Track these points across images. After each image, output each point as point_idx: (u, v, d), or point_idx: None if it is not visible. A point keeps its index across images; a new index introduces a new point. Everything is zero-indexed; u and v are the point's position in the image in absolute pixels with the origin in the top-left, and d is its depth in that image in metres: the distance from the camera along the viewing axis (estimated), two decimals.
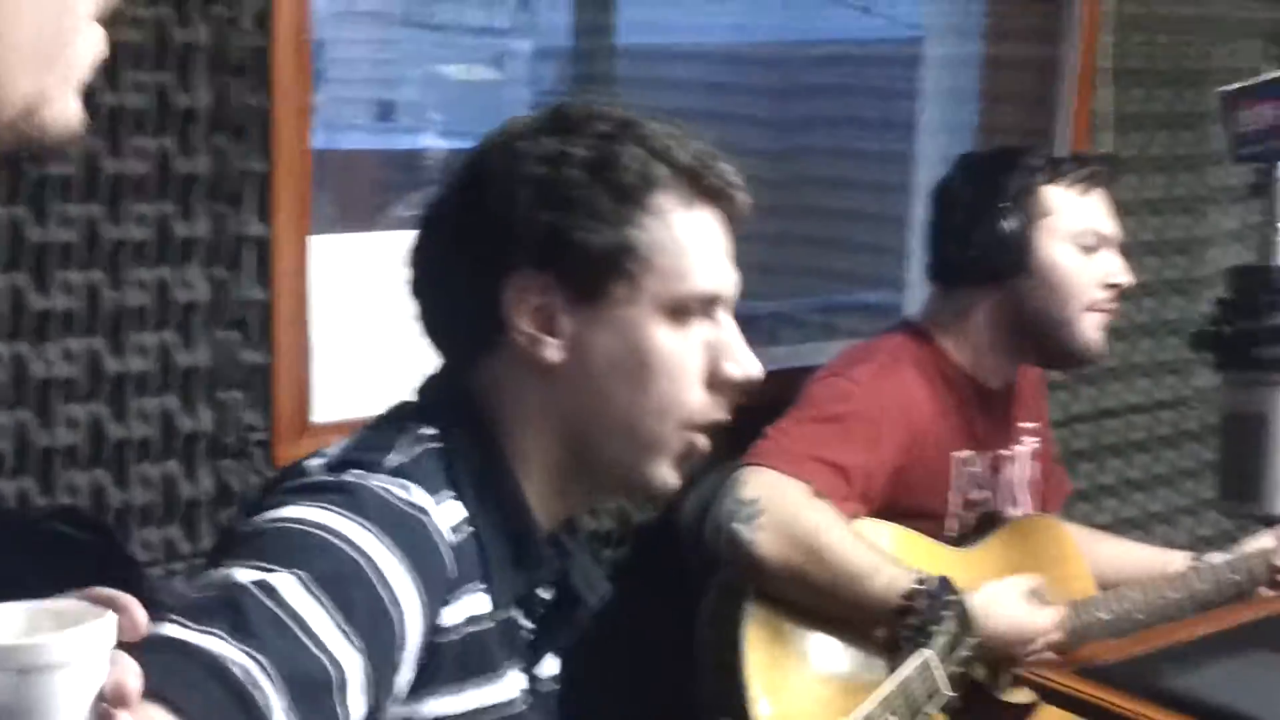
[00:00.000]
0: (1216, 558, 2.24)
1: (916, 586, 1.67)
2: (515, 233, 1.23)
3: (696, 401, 1.25)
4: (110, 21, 0.64)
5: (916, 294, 2.87)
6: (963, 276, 2.18)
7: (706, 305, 1.26)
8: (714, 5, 3.43)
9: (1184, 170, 3.02)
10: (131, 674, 0.70)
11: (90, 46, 0.64)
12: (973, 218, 2.13)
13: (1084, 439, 3.02)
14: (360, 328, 2.09)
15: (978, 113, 2.93)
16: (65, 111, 0.63)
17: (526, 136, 1.26)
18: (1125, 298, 2.88)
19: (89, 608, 0.70)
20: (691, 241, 1.25)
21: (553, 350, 1.23)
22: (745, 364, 1.26)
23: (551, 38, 3.10)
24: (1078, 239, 2.13)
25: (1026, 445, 2.30)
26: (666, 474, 1.27)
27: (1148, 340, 3.07)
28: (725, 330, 1.27)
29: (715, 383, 1.26)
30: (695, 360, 1.25)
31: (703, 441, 1.28)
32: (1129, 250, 2.87)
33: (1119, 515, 3.09)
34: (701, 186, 1.25)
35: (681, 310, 1.24)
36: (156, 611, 0.79)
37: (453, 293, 1.28)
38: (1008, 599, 1.98)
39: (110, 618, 0.69)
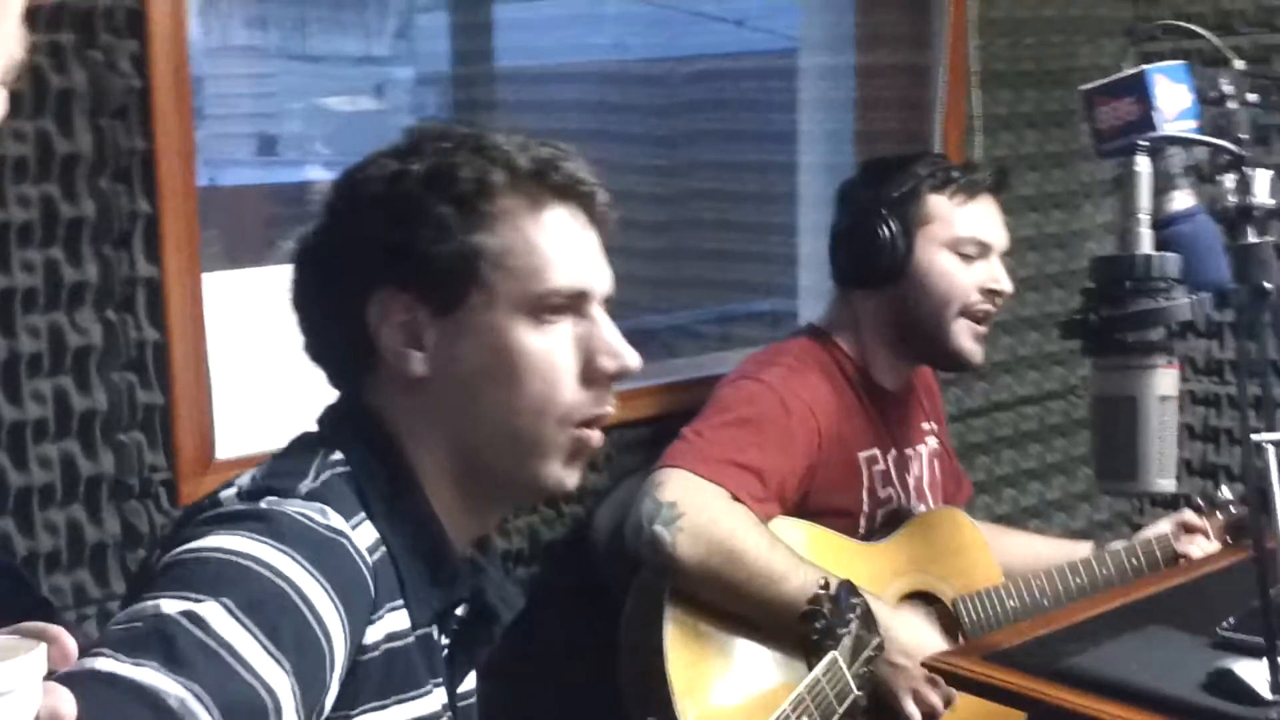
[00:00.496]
0: (1119, 544, 2.32)
1: (820, 591, 1.71)
2: (369, 253, 1.26)
3: (571, 397, 1.27)
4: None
5: (809, 301, 2.92)
6: (851, 279, 2.23)
7: (573, 301, 1.28)
8: (590, 25, 3.45)
9: (1055, 167, 3.10)
10: (65, 700, 0.72)
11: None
12: (859, 223, 2.19)
13: (978, 432, 3.08)
14: (259, 362, 2.08)
15: (855, 120, 2.97)
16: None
17: (373, 161, 1.29)
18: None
19: (19, 640, 0.72)
20: (543, 241, 1.26)
21: (419, 364, 1.26)
22: (619, 356, 1.28)
23: (432, 64, 3.10)
24: (956, 246, 2.19)
25: (928, 445, 2.37)
26: (560, 474, 1.29)
27: (1034, 333, 3.14)
28: (598, 325, 1.28)
29: (591, 377, 1.28)
30: (565, 357, 1.27)
31: (594, 437, 1.29)
32: (1010, 248, 2.96)
33: (1018, 505, 3.16)
34: (547, 186, 1.28)
35: (543, 309, 1.26)
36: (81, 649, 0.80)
37: (325, 319, 1.31)
38: (917, 624, 2.04)
39: (41, 648, 0.71)
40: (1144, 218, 1.50)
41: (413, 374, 1.26)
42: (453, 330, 1.26)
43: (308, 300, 1.33)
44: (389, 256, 1.26)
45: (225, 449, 1.92)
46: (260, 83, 2.89)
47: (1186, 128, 1.59)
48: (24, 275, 1.73)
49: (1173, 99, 1.63)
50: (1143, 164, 1.51)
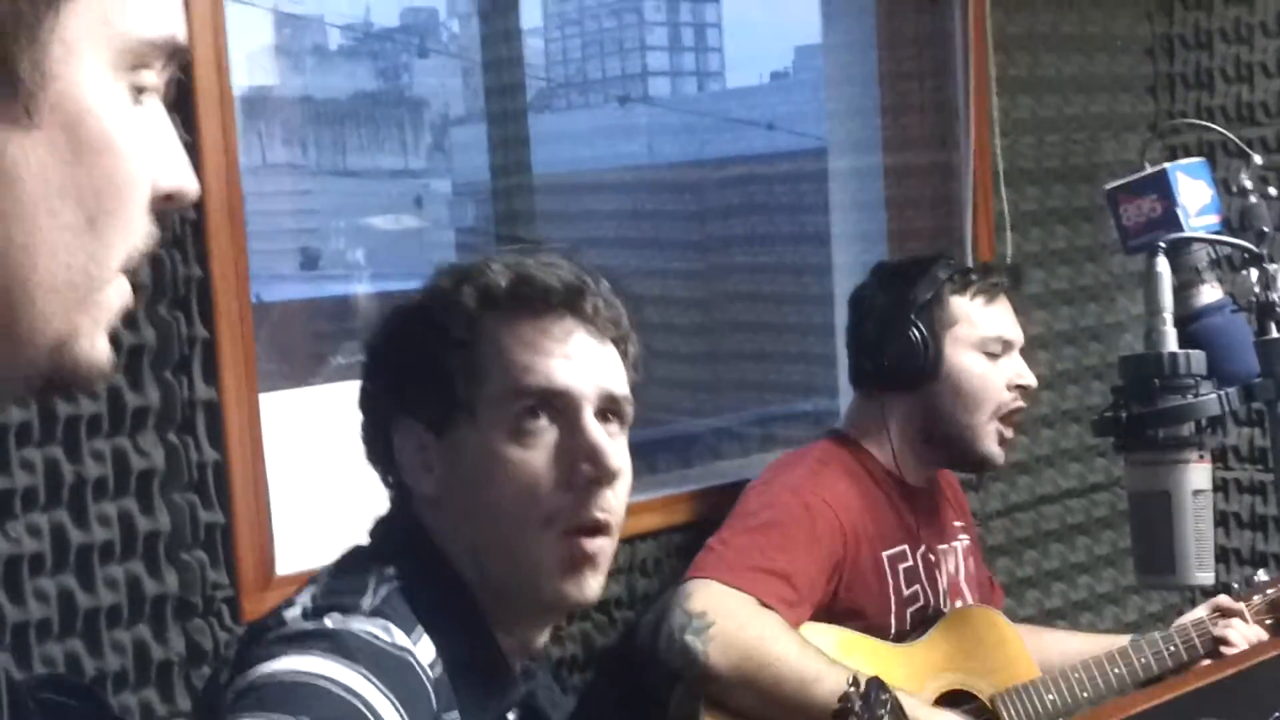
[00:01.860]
0: (1156, 634, 2.31)
1: (849, 689, 1.72)
2: (385, 386, 1.38)
3: (548, 503, 1.29)
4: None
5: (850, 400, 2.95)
6: (878, 383, 2.26)
7: (555, 407, 1.31)
8: (623, 134, 3.54)
9: (1087, 261, 3.12)
10: None
11: (119, 295, 0.67)
12: (885, 327, 2.21)
13: (1024, 527, 3.05)
14: (317, 478, 2.13)
15: (887, 220, 3.01)
16: (95, 350, 0.67)
17: (397, 302, 1.41)
18: (1047, 386, 2.99)
19: None
20: (514, 352, 1.31)
21: (430, 485, 1.34)
22: (597, 459, 1.30)
23: (467, 175, 3.18)
24: (983, 346, 2.21)
25: (961, 542, 2.37)
26: (558, 585, 1.31)
27: (1074, 426, 3.14)
28: (581, 431, 1.31)
29: (571, 482, 1.30)
30: (541, 464, 1.29)
31: (588, 545, 1.30)
32: (1046, 341, 2.98)
33: (1067, 599, 3.13)
34: (519, 300, 1.33)
35: (520, 418, 1.30)
36: None
37: (373, 439, 1.40)
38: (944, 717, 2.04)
39: None
40: (1167, 316, 1.54)
41: (428, 494, 1.34)
42: (448, 450, 1.33)
43: (362, 418, 1.42)
44: (396, 388, 1.36)
45: (285, 565, 1.96)
46: (301, 199, 2.96)
47: (1209, 222, 1.64)
48: (88, 402, 1.78)
49: (1194, 195, 1.67)
50: (1163, 265, 1.56)
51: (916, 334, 2.19)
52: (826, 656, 1.97)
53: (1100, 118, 3.13)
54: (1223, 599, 2.32)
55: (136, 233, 0.67)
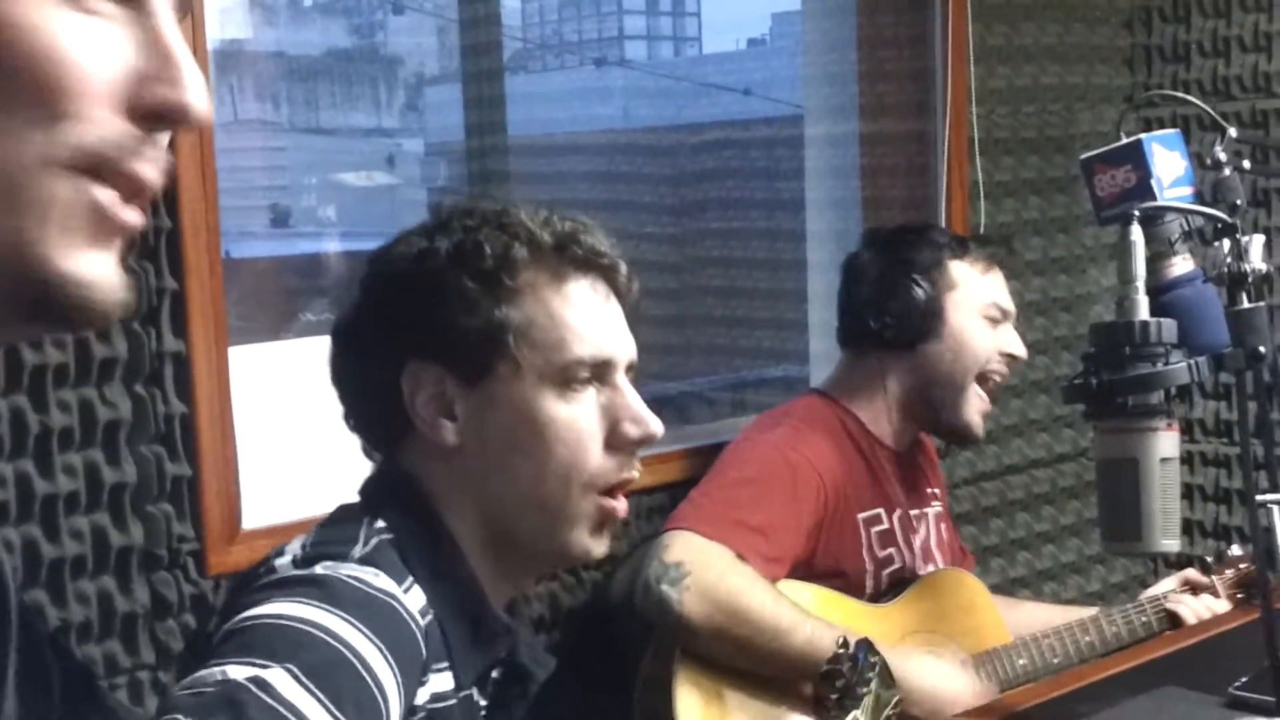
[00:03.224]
0: (1129, 605, 2.34)
1: (839, 650, 1.73)
2: (400, 329, 1.32)
3: (595, 464, 1.30)
4: None
5: (821, 366, 2.95)
6: (875, 343, 2.27)
7: (597, 371, 1.31)
8: (599, 97, 3.52)
9: (1060, 232, 3.13)
10: None
11: (66, 190, 0.61)
12: (885, 286, 2.24)
13: (991, 496, 3.08)
14: (285, 433, 2.12)
15: (861, 188, 3.01)
16: (66, 262, 0.61)
17: (402, 239, 1.35)
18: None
19: None
20: (566, 313, 1.31)
21: (450, 433, 1.31)
22: (643, 423, 1.31)
23: (441, 136, 3.16)
24: (983, 311, 2.25)
25: (933, 509, 2.39)
26: (587, 542, 1.33)
27: (1043, 397, 3.15)
28: (621, 393, 1.32)
29: (615, 444, 1.31)
30: (590, 424, 1.30)
31: (618, 505, 1.33)
32: (1016, 311, 2.99)
33: (1032, 568, 3.16)
34: (569, 259, 1.32)
35: (568, 380, 1.30)
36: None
37: (363, 392, 1.36)
38: (931, 664, 2.06)
39: None
40: (1139, 285, 1.54)
41: (445, 443, 1.31)
42: (481, 401, 1.30)
43: (345, 374, 1.38)
44: (418, 331, 1.31)
45: (252, 519, 1.95)
46: (273, 156, 2.94)
47: (1182, 194, 1.64)
48: (55, 351, 1.77)
49: (1168, 166, 1.68)
50: (1136, 233, 1.56)
51: (920, 292, 2.22)
52: (801, 609, 1.98)
53: (1076, 89, 3.13)
54: (1190, 572, 2.35)
55: (80, 127, 0.61)
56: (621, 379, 1.33)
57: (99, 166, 0.61)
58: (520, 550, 1.34)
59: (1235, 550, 2.41)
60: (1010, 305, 2.30)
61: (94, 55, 0.62)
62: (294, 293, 2.97)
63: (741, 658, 1.98)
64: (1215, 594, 2.30)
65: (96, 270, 0.62)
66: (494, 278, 1.29)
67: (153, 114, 0.63)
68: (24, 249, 0.59)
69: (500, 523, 1.32)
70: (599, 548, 1.34)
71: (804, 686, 1.97)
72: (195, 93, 0.64)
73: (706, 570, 1.95)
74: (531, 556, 1.36)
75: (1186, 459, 3.22)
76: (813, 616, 1.98)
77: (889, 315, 2.23)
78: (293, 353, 2.29)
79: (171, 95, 0.64)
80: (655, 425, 1.32)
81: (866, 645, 1.78)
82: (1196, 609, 2.27)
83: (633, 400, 1.32)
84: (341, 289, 2.74)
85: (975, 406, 2.26)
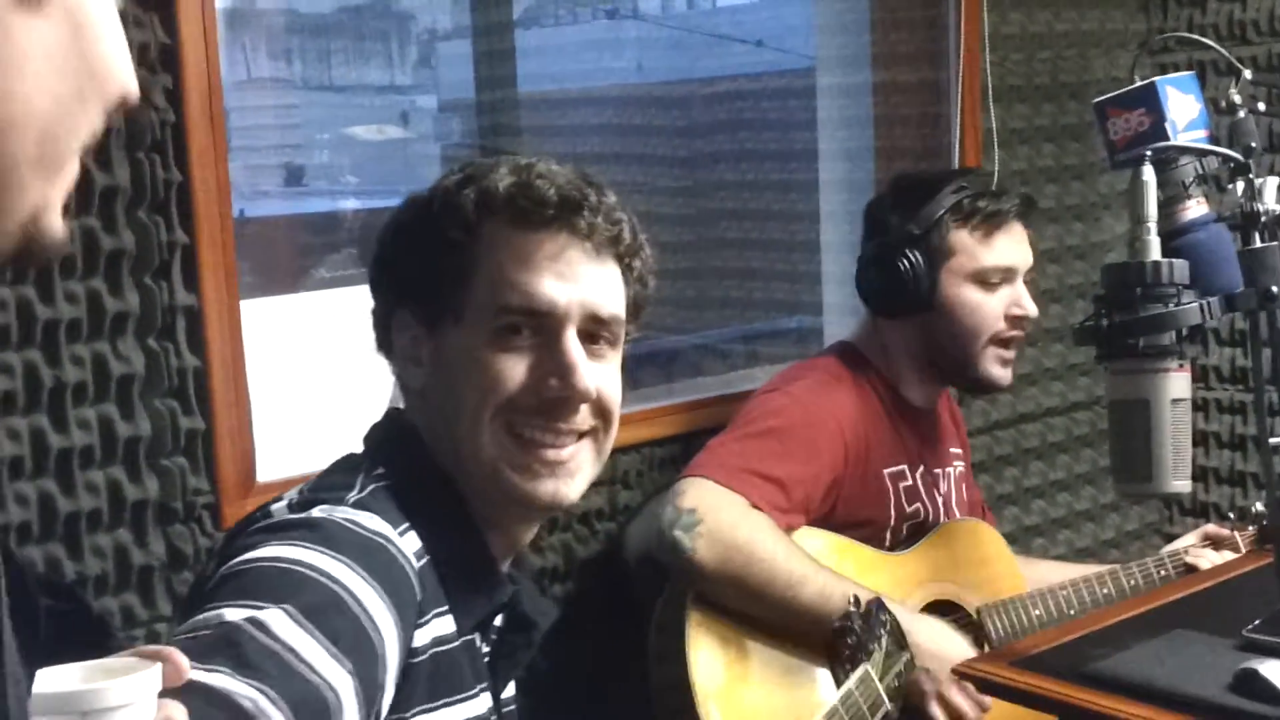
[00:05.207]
0: (1147, 559, 2.33)
1: (851, 608, 1.73)
2: (387, 278, 1.39)
3: (503, 398, 1.30)
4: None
5: (835, 318, 2.95)
6: (877, 309, 2.26)
7: (535, 321, 1.32)
8: (610, 49, 3.50)
9: (1074, 179, 3.11)
10: (178, 711, 0.82)
11: (75, 171, 0.71)
12: (883, 255, 2.21)
13: (1005, 444, 3.08)
14: (298, 386, 2.13)
15: (874, 137, 2.99)
16: (57, 223, 0.71)
17: (409, 196, 1.41)
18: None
19: (136, 661, 0.81)
20: (506, 264, 1.32)
21: (416, 378, 1.36)
22: (564, 377, 1.31)
23: (454, 92, 3.15)
24: (980, 277, 2.20)
25: (955, 469, 2.38)
26: (523, 485, 1.32)
27: (1058, 345, 3.15)
28: (556, 345, 1.32)
29: (542, 395, 1.32)
30: (513, 371, 1.31)
31: (552, 454, 1.32)
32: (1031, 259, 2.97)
33: (1047, 516, 3.16)
34: (518, 209, 1.32)
35: (500, 327, 1.31)
36: None
37: (379, 327, 1.41)
38: (936, 626, 2.06)
39: (157, 667, 0.81)
40: (1152, 226, 1.53)
41: (414, 387, 1.36)
42: (436, 347, 1.35)
43: (372, 312, 1.43)
44: (396, 281, 1.38)
45: (266, 472, 1.96)
46: (286, 114, 2.93)
47: (1196, 137, 1.63)
48: (68, 306, 1.77)
49: (1182, 109, 1.66)
50: (1149, 174, 1.55)
51: (907, 266, 2.18)
52: (813, 560, 1.99)
53: (1091, 34, 3.11)
54: (1211, 527, 2.35)
55: (102, 117, 0.72)
56: (568, 336, 1.32)
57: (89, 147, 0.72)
58: (482, 495, 1.34)
59: (1259, 507, 2.40)
60: (1018, 263, 2.23)
61: None
62: (309, 249, 2.97)
63: (752, 605, 1.98)
64: (1236, 549, 2.30)
65: (63, 226, 0.72)
66: (440, 228, 1.34)
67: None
68: (45, 212, 0.70)
69: (459, 466, 1.33)
70: (544, 493, 1.33)
71: (816, 635, 1.98)
72: (134, 78, 0.73)
73: (719, 517, 1.95)
74: (492, 500, 1.35)
75: (1202, 406, 3.21)
76: (825, 568, 1.98)
77: (882, 289, 2.21)
78: (306, 306, 2.29)
79: (131, 83, 0.73)
80: (582, 381, 1.31)
81: (878, 604, 1.79)
82: (1216, 564, 2.26)
83: (568, 355, 1.32)
84: (356, 244, 2.74)
85: (990, 362, 2.22)
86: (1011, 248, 2.23)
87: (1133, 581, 2.26)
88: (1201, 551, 2.28)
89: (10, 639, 0.63)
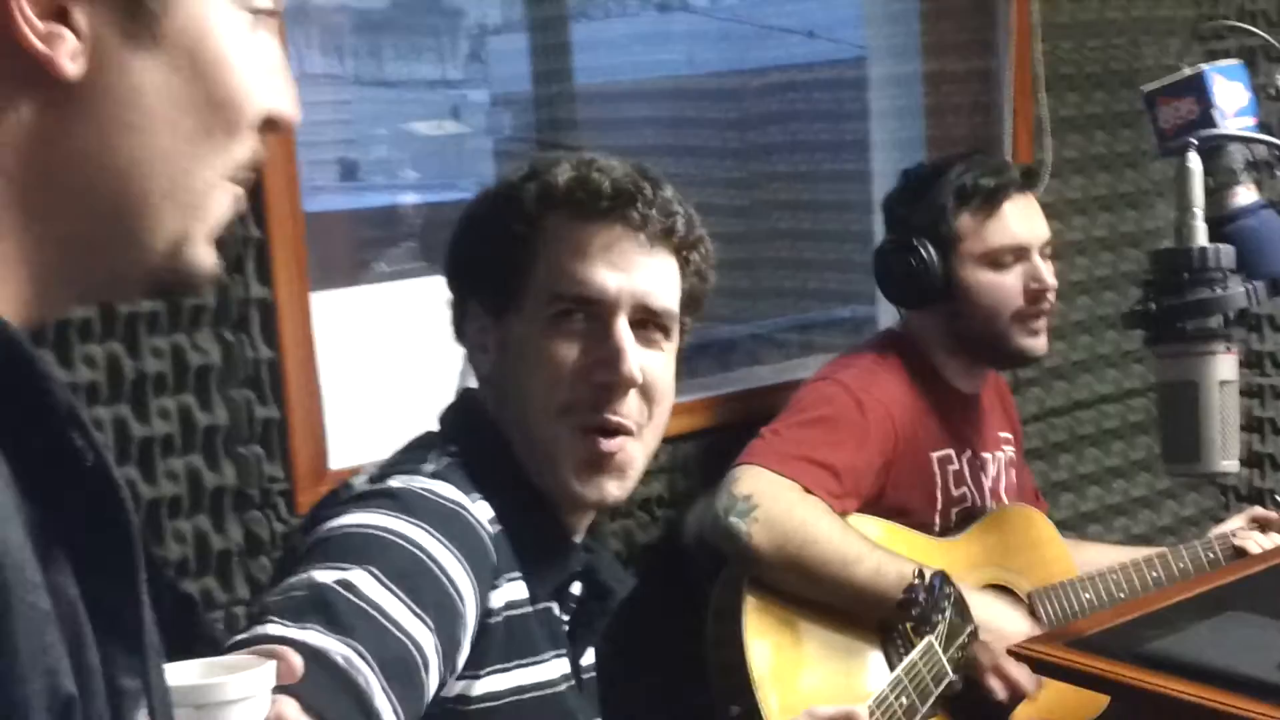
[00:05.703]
0: (1195, 542, 2.34)
1: (916, 581, 1.76)
2: (458, 269, 1.45)
3: (566, 396, 1.36)
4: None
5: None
6: (897, 301, 2.30)
7: (588, 309, 1.37)
8: (662, 42, 3.53)
9: (1127, 167, 3.11)
10: (290, 708, 0.87)
11: (227, 202, 0.74)
12: (895, 249, 2.24)
13: (1060, 431, 3.07)
14: (367, 374, 2.18)
15: (926, 127, 3.01)
16: (203, 254, 0.73)
17: (481, 191, 1.48)
18: (1084, 292, 3.00)
19: (252, 658, 0.85)
20: (560, 252, 1.38)
21: (484, 365, 1.43)
22: (612, 366, 1.36)
23: (505, 86, 3.19)
24: (991, 258, 2.21)
25: (1004, 453, 2.40)
26: (573, 483, 1.38)
27: (1111, 332, 3.14)
28: (608, 334, 1.37)
29: (591, 383, 1.37)
30: (567, 358, 1.36)
31: (606, 445, 1.37)
32: (1084, 247, 2.98)
33: (1103, 503, 3.15)
34: (574, 202, 1.38)
35: (553, 314, 1.37)
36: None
37: (455, 318, 1.47)
38: (993, 603, 2.09)
39: (271, 664, 0.85)
40: (1198, 212, 1.56)
41: (483, 374, 1.43)
42: (503, 336, 1.41)
43: (449, 304, 1.49)
44: (467, 271, 1.44)
45: (338, 459, 2.02)
46: (339, 110, 2.98)
47: (1244, 125, 1.65)
48: (147, 300, 1.83)
49: (1230, 97, 1.69)
50: (1194, 162, 1.57)
51: (919, 257, 2.20)
52: (868, 540, 2.02)
53: (1141, 22, 3.10)
54: (1259, 509, 2.36)
55: (244, 146, 0.73)
56: (619, 323, 1.37)
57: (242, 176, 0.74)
58: (539, 478, 1.39)
59: None
60: (1028, 237, 2.22)
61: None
62: (369, 243, 3.02)
63: (808, 588, 2.02)
64: None
65: (215, 256, 0.75)
66: (504, 221, 1.39)
67: (267, 124, 0.74)
68: (186, 244, 0.72)
69: (523, 448, 1.39)
70: (594, 491, 1.38)
71: (870, 616, 2.01)
72: (294, 102, 0.77)
73: (774, 502, 1.99)
74: (550, 491, 1.40)
75: (1258, 392, 3.21)
76: (879, 548, 2.02)
77: (898, 282, 2.24)
78: (374, 297, 2.34)
79: (287, 108, 0.77)
80: (626, 366, 1.35)
81: (942, 577, 1.81)
82: (1265, 546, 2.28)
83: (616, 341, 1.36)
84: (415, 237, 2.80)
85: (1022, 334, 2.23)
86: (1019, 223, 2.23)
87: (1181, 565, 2.27)
88: (1249, 534, 2.29)
89: (150, 616, 0.66)
